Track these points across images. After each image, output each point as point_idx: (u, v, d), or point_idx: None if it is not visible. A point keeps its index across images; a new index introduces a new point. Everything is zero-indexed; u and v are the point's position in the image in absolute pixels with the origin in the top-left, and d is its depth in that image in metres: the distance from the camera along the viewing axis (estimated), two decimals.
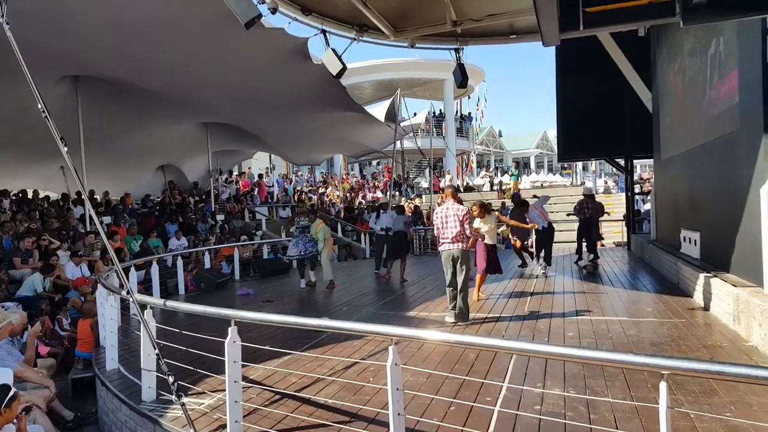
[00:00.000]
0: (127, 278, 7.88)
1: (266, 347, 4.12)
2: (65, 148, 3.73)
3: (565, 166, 37.02)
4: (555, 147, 52.84)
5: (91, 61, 8.90)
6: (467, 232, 5.89)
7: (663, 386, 1.97)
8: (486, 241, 7.31)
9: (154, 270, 8.97)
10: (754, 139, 4.76)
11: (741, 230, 5.27)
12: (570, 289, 7.96)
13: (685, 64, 7.50)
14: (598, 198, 14.02)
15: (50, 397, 4.87)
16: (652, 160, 11.52)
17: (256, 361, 4.35)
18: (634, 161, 13.44)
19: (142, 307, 4.01)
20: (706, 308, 6.07)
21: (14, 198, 12.85)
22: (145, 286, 9.17)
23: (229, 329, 3.35)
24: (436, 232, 6.10)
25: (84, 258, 9.82)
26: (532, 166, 48.11)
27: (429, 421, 3.28)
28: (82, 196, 13.02)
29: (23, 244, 9.29)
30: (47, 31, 7.37)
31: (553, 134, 54.77)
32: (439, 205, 6.64)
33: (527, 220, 9.58)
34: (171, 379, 3.37)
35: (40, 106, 3.72)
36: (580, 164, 32.04)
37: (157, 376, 4.07)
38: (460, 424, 3.19)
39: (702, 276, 6.18)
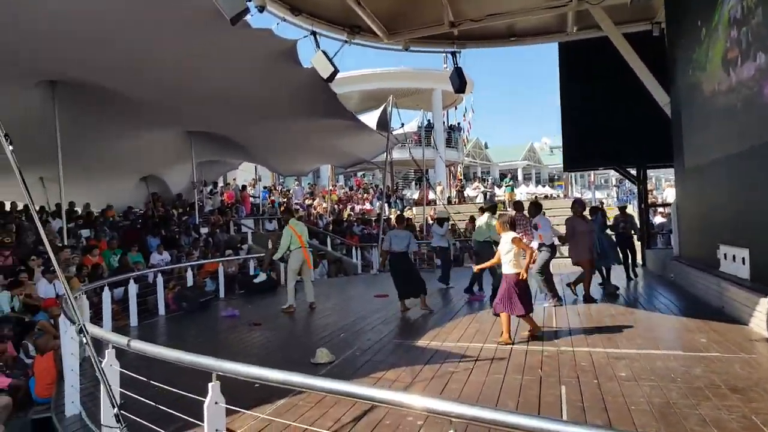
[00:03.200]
0: (101, 299, 7.21)
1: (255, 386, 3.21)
2: (10, 147, 3.09)
3: (556, 177, 36.67)
4: (542, 159, 53.19)
5: (67, 64, 8.15)
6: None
7: None
8: (505, 270, 5.83)
9: (132, 290, 8.10)
10: None
11: None
12: (597, 314, 7.10)
13: (736, 53, 6.66)
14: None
15: None
16: (664, 169, 10.85)
17: (243, 402, 3.48)
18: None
19: (103, 345, 3.13)
20: None
21: None
22: (124, 306, 8.36)
23: (210, 386, 2.46)
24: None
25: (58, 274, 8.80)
26: (520, 178, 47.77)
27: None
28: (47, 209, 12.45)
29: None
30: (18, 31, 6.68)
31: (540, 146, 54.75)
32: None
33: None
34: None
35: None
36: (573, 176, 31.59)
37: None
38: None
39: (764, 301, 5.36)
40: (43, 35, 6.91)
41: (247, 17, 7.06)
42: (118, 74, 8.62)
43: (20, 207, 12.52)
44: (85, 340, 2.85)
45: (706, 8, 7.54)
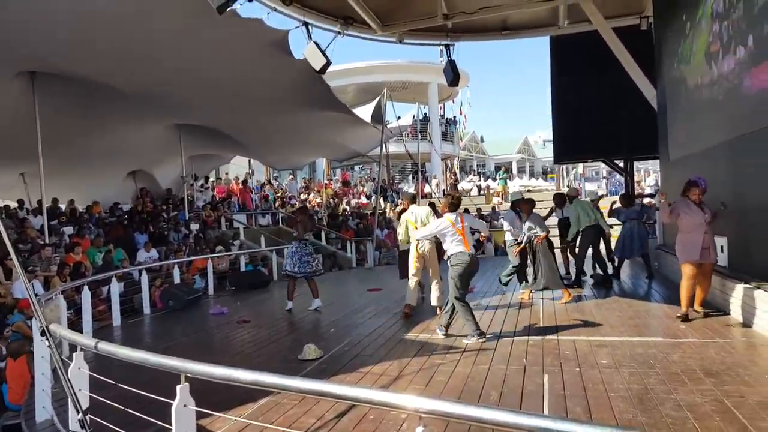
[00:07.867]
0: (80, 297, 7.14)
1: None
2: None
3: (549, 170, 36.76)
4: (535, 152, 53.13)
5: (48, 54, 7.95)
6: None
7: None
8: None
9: (114, 289, 8.00)
10: None
11: None
12: (581, 305, 7.17)
13: (717, 46, 6.68)
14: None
15: None
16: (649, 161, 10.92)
17: (223, 405, 3.47)
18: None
19: (71, 348, 3.08)
20: (747, 325, 5.35)
21: None
22: (110, 305, 8.21)
23: (178, 388, 2.42)
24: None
25: (38, 273, 8.74)
26: (514, 171, 47.81)
27: None
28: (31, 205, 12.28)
29: None
30: None
31: (533, 139, 54.75)
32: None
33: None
34: None
35: None
36: (564, 168, 31.60)
37: None
38: None
39: (740, 287, 5.48)
40: (21, 23, 6.69)
41: (236, 6, 7.00)
42: (102, 64, 8.40)
43: (1, 205, 12.37)
44: (47, 343, 2.78)
45: (691, 2, 7.61)
